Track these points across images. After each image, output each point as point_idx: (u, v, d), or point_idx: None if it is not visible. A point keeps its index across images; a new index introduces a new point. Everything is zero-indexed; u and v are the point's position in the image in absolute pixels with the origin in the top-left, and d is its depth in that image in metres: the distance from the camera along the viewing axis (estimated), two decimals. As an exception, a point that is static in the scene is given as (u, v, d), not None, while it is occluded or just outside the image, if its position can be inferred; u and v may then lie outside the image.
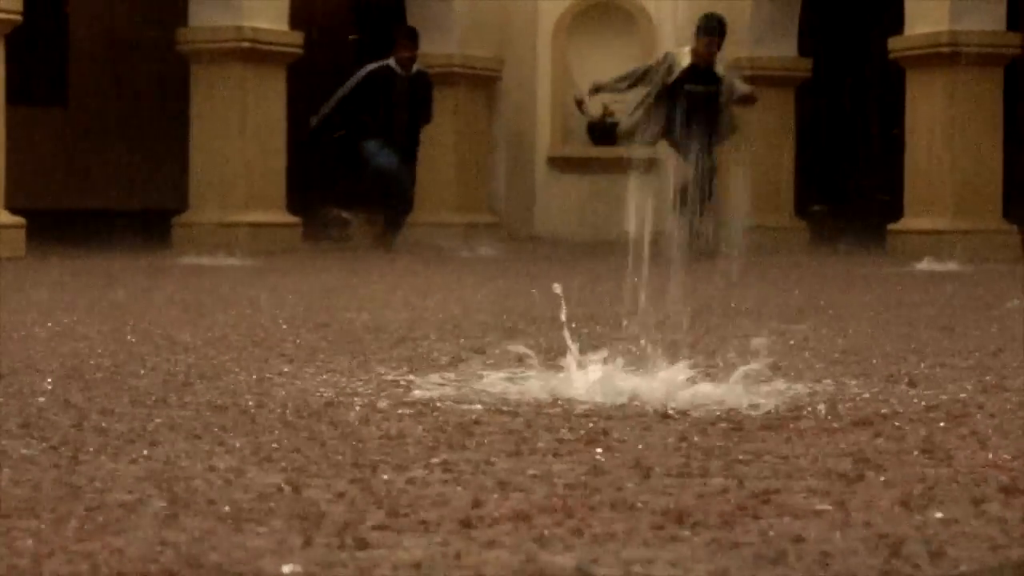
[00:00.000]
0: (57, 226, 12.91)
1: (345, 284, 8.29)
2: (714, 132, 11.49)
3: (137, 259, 10.61)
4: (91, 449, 2.68)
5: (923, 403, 3.36)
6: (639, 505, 2.21)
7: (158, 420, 3.03)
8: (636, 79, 11.80)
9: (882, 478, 2.44)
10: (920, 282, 8.83)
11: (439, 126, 14.75)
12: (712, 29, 11.56)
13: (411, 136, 13.05)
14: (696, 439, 2.83)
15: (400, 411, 3.20)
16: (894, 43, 13.41)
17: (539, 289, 6.90)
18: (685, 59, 11.59)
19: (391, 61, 12.99)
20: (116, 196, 16.52)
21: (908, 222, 13.11)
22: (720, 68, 11.75)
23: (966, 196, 12.86)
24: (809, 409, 3.23)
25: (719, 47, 11.61)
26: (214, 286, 7.78)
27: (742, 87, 11.83)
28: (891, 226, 13.15)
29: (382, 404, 3.30)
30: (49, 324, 5.20)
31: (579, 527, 2.06)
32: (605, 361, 3.41)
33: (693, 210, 10.60)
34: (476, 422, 3.04)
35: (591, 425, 3.00)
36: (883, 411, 3.23)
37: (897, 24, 13.46)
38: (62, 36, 17.54)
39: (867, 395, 3.48)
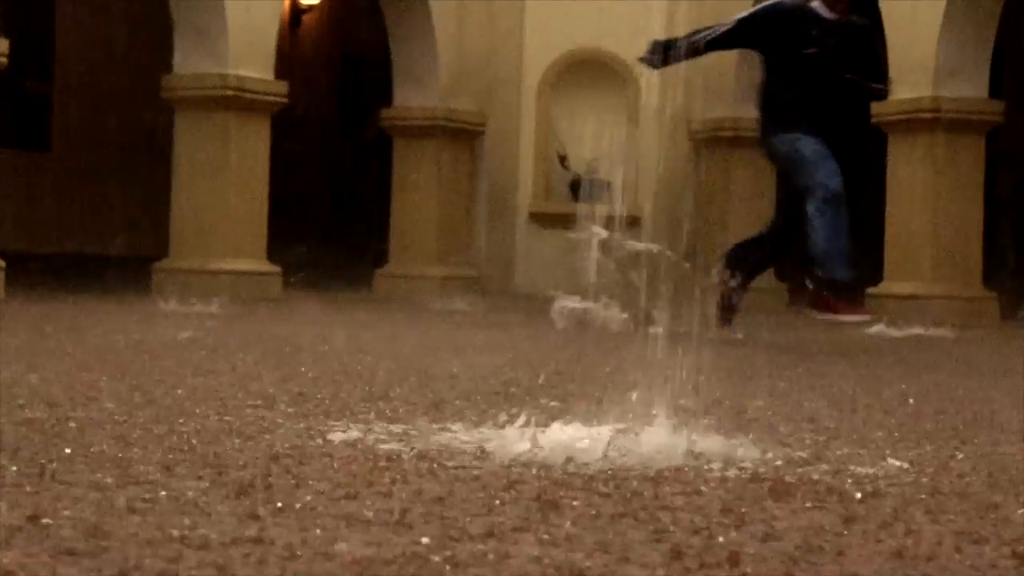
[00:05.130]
0: (37, 270, 12.88)
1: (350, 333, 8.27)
2: None
3: (117, 304, 10.57)
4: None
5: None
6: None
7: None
8: None
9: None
10: (898, 347, 8.84)
11: (421, 180, 14.83)
12: None
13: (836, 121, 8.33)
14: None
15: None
16: (876, 107, 13.43)
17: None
18: None
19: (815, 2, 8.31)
20: (97, 241, 16.52)
21: (888, 286, 13.14)
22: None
23: (946, 261, 12.91)
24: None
25: None
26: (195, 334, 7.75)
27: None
28: (871, 289, 13.16)
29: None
30: (20, 369, 5.16)
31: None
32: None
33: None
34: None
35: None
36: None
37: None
38: (46, 80, 17.57)
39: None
